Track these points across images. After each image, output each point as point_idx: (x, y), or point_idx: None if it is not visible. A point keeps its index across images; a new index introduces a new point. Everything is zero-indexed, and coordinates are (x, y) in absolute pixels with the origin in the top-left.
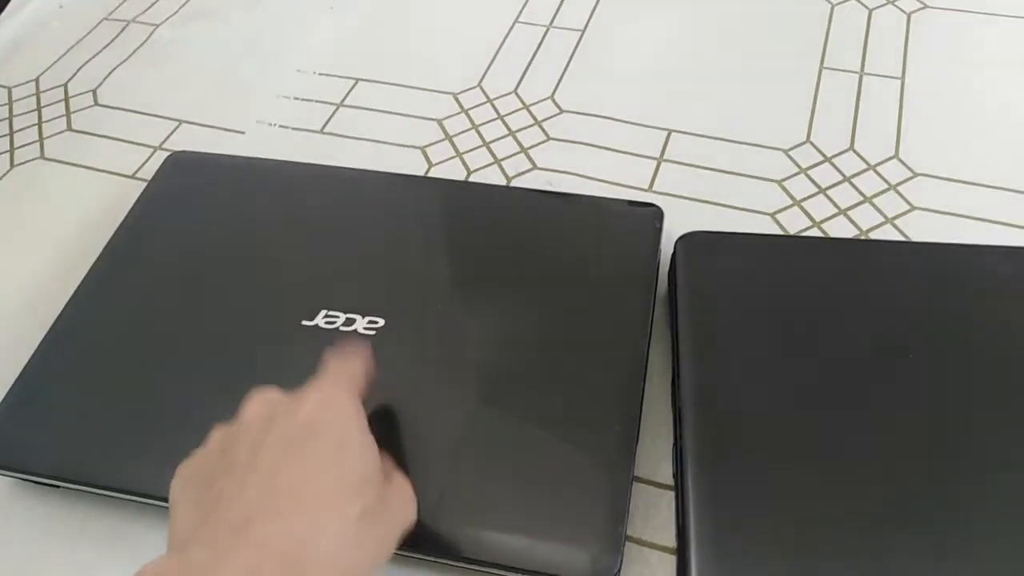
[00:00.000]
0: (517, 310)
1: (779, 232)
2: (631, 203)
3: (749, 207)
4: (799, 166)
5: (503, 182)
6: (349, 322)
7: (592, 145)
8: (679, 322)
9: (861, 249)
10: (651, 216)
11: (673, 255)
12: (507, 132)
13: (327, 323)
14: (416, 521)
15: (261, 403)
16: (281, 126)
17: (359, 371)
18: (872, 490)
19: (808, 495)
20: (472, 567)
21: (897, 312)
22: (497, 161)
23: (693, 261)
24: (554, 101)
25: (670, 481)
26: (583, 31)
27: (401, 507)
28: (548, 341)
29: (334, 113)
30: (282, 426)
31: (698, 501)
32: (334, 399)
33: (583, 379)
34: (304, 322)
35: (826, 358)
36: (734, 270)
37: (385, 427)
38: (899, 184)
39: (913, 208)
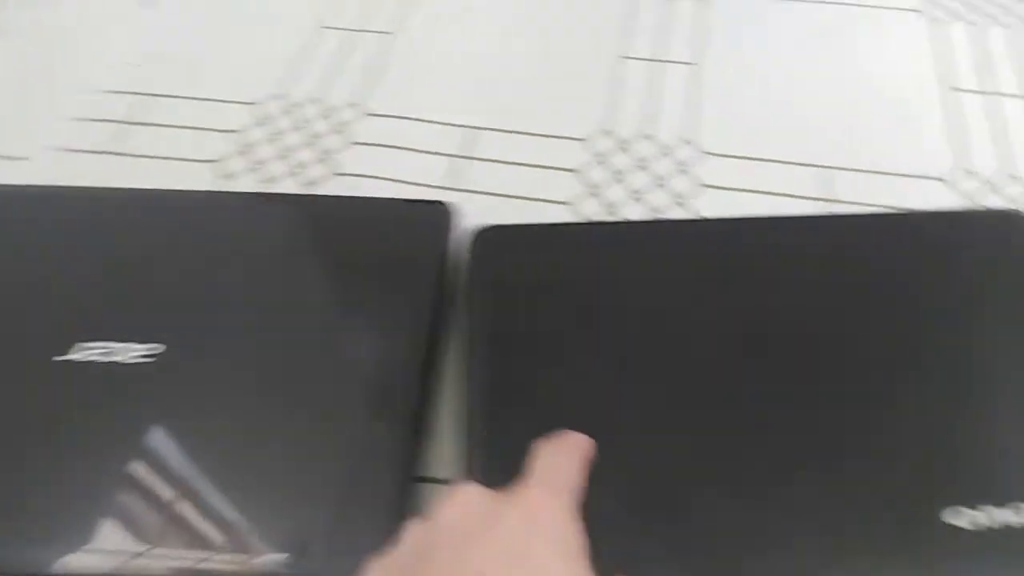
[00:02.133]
0: (299, 317)
1: (575, 220)
2: (417, 201)
3: (550, 198)
4: (597, 155)
5: (303, 190)
6: (108, 352)
7: (396, 147)
8: (471, 318)
9: (650, 229)
10: (440, 213)
11: (468, 251)
12: (308, 139)
13: (84, 357)
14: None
15: (461, 504)
16: (68, 150)
17: (576, 468)
18: (652, 471)
19: (599, 482)
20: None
21: (686, 287)
22: (295, 170)
23: (486, 256)
24: (357, 106)
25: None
26: (389, 34)
27: None
28: (328, 346)
29: (124, 131)
30: (484, 540)
31: None
32: (542, 511)
33: (361, 380)
34: (56, 357)
35: (623, 341)
36: (527, 261)
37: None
38: (690, 165)
39: (705, 187)
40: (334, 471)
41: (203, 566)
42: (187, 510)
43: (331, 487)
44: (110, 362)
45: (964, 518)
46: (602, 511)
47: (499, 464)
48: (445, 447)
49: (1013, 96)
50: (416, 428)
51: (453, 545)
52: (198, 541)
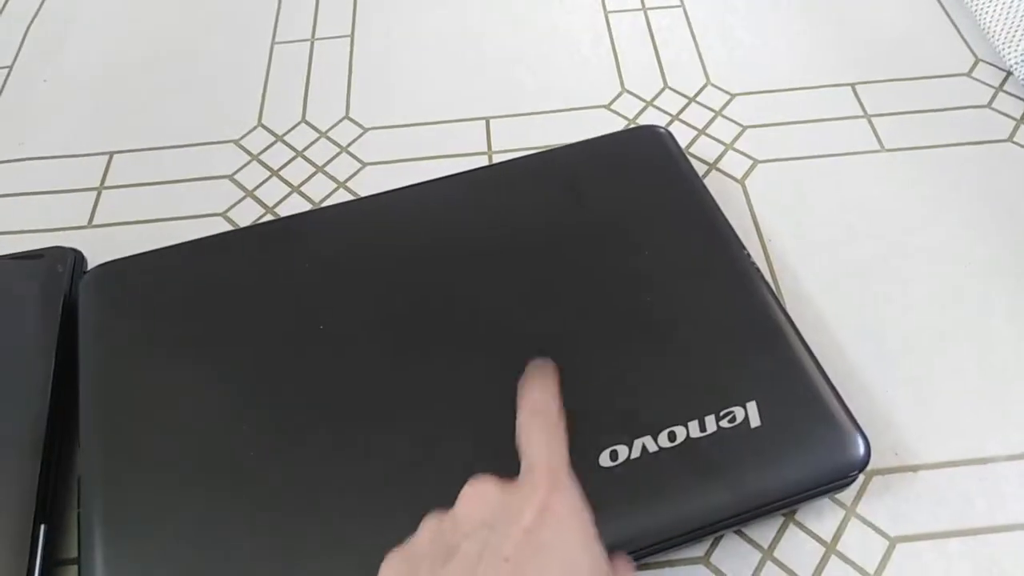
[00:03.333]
0: None
1: (230, 229)
2: (29, 254)
3: (199, 212)
4: (250, 153)
5: None
6: None
7: (22, 194)
8: (81, 365)
9: (281, 227)
10: (53, 260)
11: (81, 295)
12: None
13: None
14: None
15: (478, 504)
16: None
17: (561, 436)
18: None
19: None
20: None
21: (320, 281)
22: None
23: (96, 296)
24: None
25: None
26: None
27: None
28: None
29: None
30: (503, 539)
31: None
32: (560, 507)
33: None
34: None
35: (243, 356)
36: (141, 296)
37: None
38: (350, 144)
39: (364, 165)
40: None
41: None
42: None
43: None
44: None
45: (618, 457)
46: None
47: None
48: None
49: (663, 8)
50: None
51: (460, 553)
52: None
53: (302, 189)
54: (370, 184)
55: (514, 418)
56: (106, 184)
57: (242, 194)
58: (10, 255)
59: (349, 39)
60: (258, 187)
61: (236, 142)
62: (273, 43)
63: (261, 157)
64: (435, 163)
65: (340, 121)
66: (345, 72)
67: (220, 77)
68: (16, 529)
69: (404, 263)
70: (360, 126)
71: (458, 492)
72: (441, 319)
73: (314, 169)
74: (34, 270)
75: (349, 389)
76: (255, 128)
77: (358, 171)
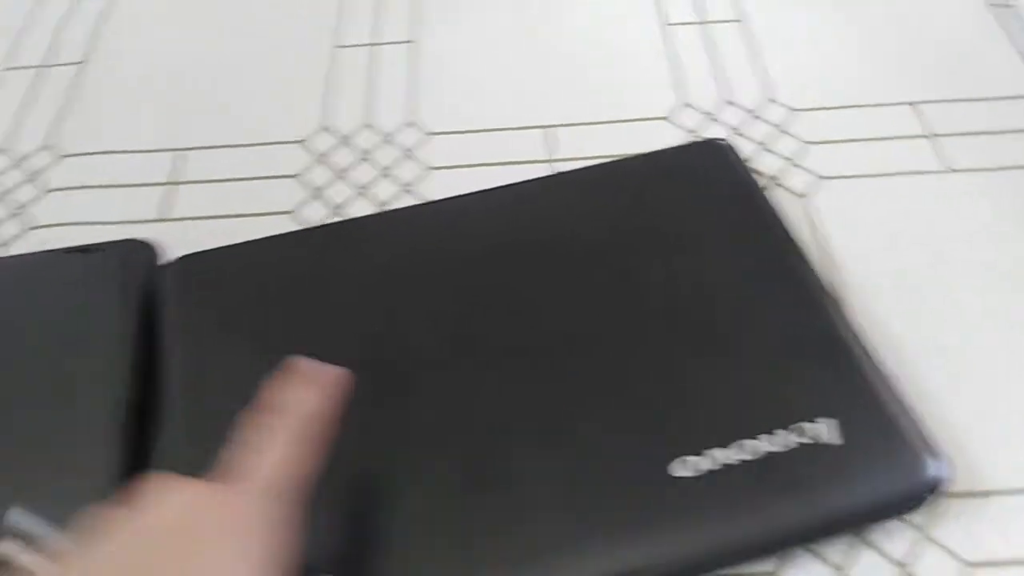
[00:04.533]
0: None
1: (298, 229)
2: (105, 245)
3: (268, 210)
4: (315, 154)
5: None
6: None
7: (98, 187)
8: (166, 358)
9: (360, 226)
10: (134, 252)
11: (165, 287)
12: None
13: None
14: None
15: (170, 504)
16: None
17: (292, 452)
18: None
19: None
20: None
21: (405, 283)
22: None
23: (179, 290)
24: (52, 148)
25: None
26: (78, 64)
27: None
28: (18, 422)
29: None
30: (169, 548)
31: None
32: (241, 514)
33: (58, 463)
34: None
35: (328, 343)
36: (228, 286)
37: None
38: (414, 149)
39: (432, 169)
40: None
41: None
42: None
43: None
44: None
45: (689, 467)
46: None
47: None
48: None
49: (724, 22)
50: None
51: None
52: None
53: (368, 190)
54: (436, 189)
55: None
56: (177, 180)
57: (309, 194)
58: (87, 245)
59: (411, 45)
60: (324, 188)
61: (301, 143)
62: (334, 47)
63: (326, 158)
64: (497, 170)
65: (404, 126)
66: (407, 77)
67: (283, 79)
68: None
69: (472, 267)
70: (424, 131)
71: None
72: (510, 325)
73: (379, 172)
74: (111, 260)
75: (427, 390)
76: (319, 131)
77: (423, 175)
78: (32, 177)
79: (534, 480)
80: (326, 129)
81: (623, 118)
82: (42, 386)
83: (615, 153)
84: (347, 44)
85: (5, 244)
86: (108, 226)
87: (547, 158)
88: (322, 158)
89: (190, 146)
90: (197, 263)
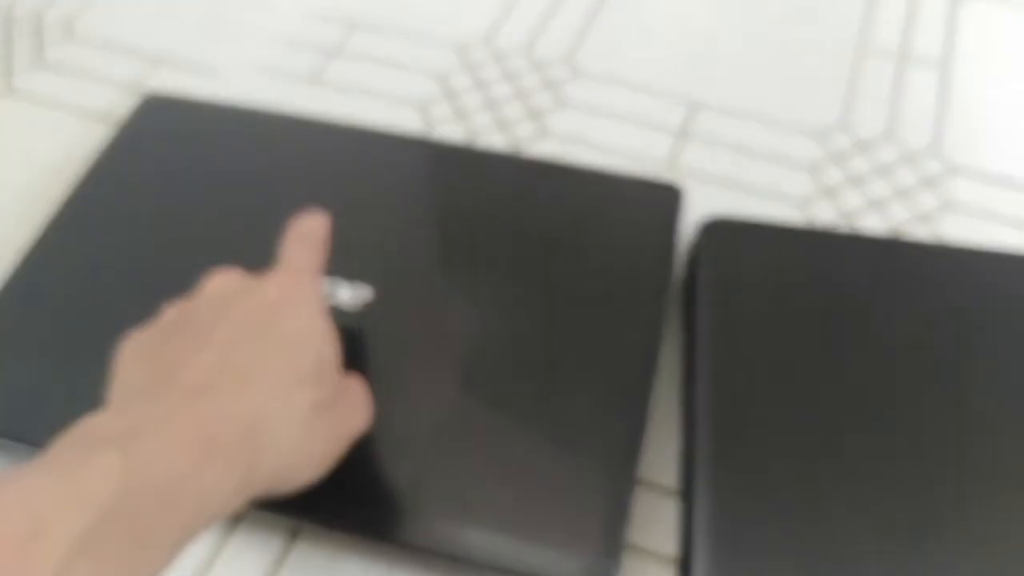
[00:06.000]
0: (518, 291)
1: (804, 222)
2: (648, 182)
3: (774, 194)
4: (830, 152)
5: (509, 149)
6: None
7: (609, 115)
8: (698, 317)
9: (894, 249)
10: (669, 198)
11: (696, 244)
12: (516, 94)
13: None
14: (399, 511)
15: (221, 281)
16: (267, 72)
17: (318, 254)
18: (895, 510)
19: (828, 513)
20: (458, 564)
21: (927, 319)
22: (503, 126)
23: (719, 252)
24: (570, 64)
25: (675, 486)
26: None
27: (356, 408)
28: (550, 326)
29: (326, 61)
30: (241, 305)
31: (707, 511)
32: (296, 285)
33: (587, 372)
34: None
35: (851, 364)
36: (762, 264)
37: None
38: (935, 180)
39: (948, 207)
40: (560, 468)
41: None
42: None
43: (557, 486)
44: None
45: None
46: None
47: (728, 474)
48: (652, 448)
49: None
50: (644, 427)
51: (209, 311)
52: None
53: (880, 208)
54: (951, 229)
55: None
56: (687, 133)
57: (818, 190)
58: (625, 175)
59: (941, 67)
60: (834, 189)
61: (816, 135)
62: (859, 46)
63: (840, 161)
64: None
65: (926, 152)
66: (937, 103)
67: (805, 67)
68: (627, 446)
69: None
70: (948, 165)
71: None
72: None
73: (895, 192)
74: (655, 199)
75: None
76: (836, 129)
77: (941, 210)
78: (549, 87)
79: None
80: (843, 129)
81: None
82: (578, 299)
83: None
84: (873, 48)
85: (522, 143)
86: (614, 156)
87: None
88: (836, 158)
89: (705, 103)
90: (731, 228)
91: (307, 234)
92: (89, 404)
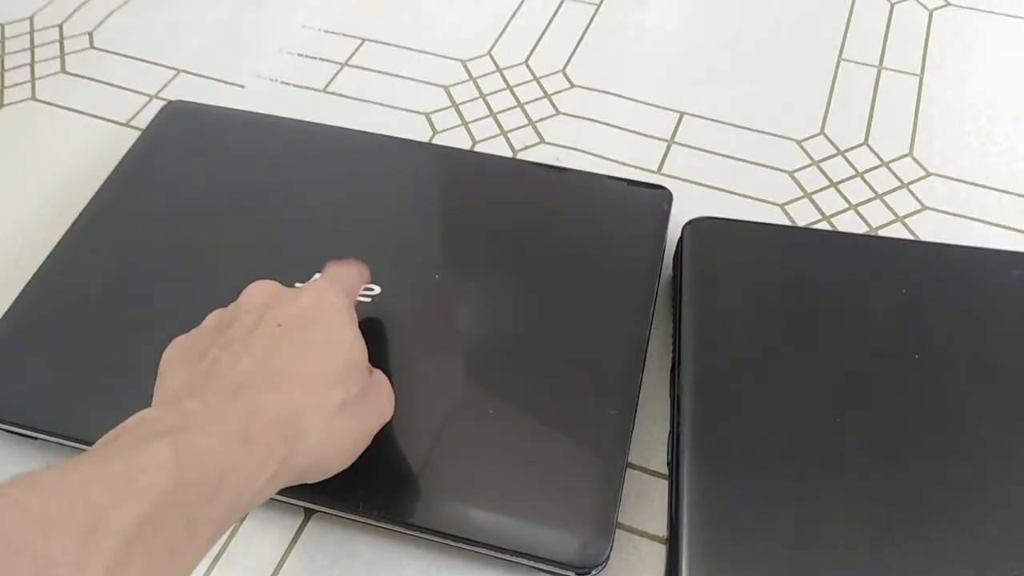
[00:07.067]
0: (516, 285)
1: (788, 223)
2: (640, 184)
3: (758, 196)
4: (811, 158)
5: (509, 154)
6: None
7: (602, 122)
8: (683, 309)
9: (871, 246)
10: (660, 198)
11: (680, 240)
12: (515, 103)
13: None
14: (405, 494)
15: (260, 290)
16: (282, 82)
17: (355, 278)
18: (872, 490)
19: (805, 492)
20: (456, 545)
21: (904, 312)
22: (503, 132)
23: (701, 247)
24: (565, 75)
25: (664, 469)
26: (599, 5)
27: (380, 402)
28: (546, 319)
29: (338, 72)
30: (279, 312)
31: (692, 492)
32: (330, 296)
33: (581, 360)
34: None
35: (830, 354)
36: (742, 259)
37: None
38: (911, 183)
39: (924, 208)
40: (555, 452)
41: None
42: None
43: (551, 468)
44: None
45: None
46: None
47: (712, 456)
48: (642, 433)
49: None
50: (634, 414)
51: (249, 318)
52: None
53: (859, 209)
54: (927, 228)
55: None
56: (676, 139)
57: (800, 193)
58: (619, 178)
59: (918, 78)
60: (816, 192)
61: (798, 142)
62: (839, 58)
63: (821, 165)
64: (996, 231)
65: (903, 156)
66: (911, 109)
67: (787, 77)
68: (618, 431)
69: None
70: (923, 168)
71: None
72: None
73: (873, 194)
74: (642, 200)
75: (936, 421)
76: (817, 135)
77: (917, 211)
78: (545, 97)
79: None
80: (825, 136)
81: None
82: (573, 295)
83: None
84: (854, 60)
85: (523, 149)
86: (606, 161)
87: None
88: (818, 163)
89: (691, 112)
90: (714, 226)
91: (351, 263)
92: (109, 398)
